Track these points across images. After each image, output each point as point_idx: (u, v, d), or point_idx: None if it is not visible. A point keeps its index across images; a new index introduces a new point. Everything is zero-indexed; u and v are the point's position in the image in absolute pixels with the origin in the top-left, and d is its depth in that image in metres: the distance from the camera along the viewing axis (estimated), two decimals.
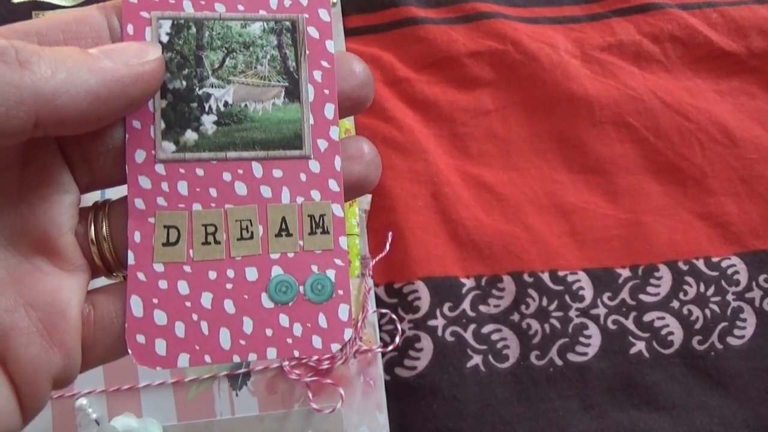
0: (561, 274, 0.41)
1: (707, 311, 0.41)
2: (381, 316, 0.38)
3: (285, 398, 0.35)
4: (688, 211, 0.43)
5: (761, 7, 0.48)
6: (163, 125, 0.19)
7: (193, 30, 0.20)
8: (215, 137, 0.20)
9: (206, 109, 0.20)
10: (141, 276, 0.19)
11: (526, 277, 0.40)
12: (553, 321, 0.40)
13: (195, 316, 0.19)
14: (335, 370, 0.36)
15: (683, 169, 0.44)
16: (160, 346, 0.19)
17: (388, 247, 0.40)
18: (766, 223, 0.43)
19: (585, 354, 0.39)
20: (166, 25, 0.20)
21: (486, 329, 0.39)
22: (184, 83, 0.20)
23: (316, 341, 0.20)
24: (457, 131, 0.44)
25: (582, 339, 0.40)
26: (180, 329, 0.19)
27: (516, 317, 0.40)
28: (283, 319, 0.19)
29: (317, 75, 0.21)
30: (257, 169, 0.20)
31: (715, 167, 0.44)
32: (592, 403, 0.38)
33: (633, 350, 0.40)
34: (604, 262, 0.42)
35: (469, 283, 0.40)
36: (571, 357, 0.39)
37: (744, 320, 0.41)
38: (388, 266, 0.40)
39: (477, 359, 0.39)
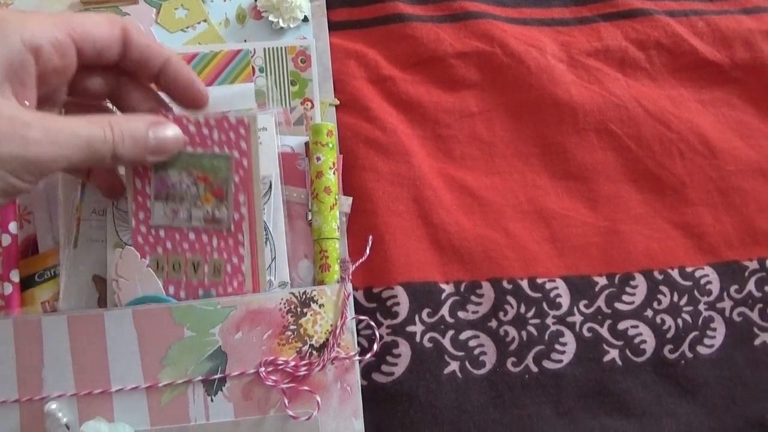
0: (539, 281, 0.41)
1: (679, 320, 0.41)
2: (359, 321, 0.38)
3: (261, 404, 0.35)
4: (666, 221, 0.44)
5: (747, 18, 0.48)
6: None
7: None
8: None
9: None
10: None
11: (505, 283, 0.41)
12: (530, 328, 0.40)
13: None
14: (312, 376, 0.35)
15: (662, 178, 0.44)
16: None
17: (368, 251, 0.39)
18: (740, 234, 0.44)
19: (560, 361, 0.40)
20: None
21: (464, 335, 0.39)
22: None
23: None
24: (441, 133, 0.44)
25: (557, 346, 0.40)
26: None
27: (494, 324, 0.40)
28: None
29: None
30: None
31: (694, 178, 0.44)
32: (565, 409, 0.39)
33: (606, 358, 0.40)
34: (582, 270, 0.42)
35: (448, 288, 0.40)
36: (547, 364, 0.40)
37: (714, 330, 0.42)
38: (368, 270, 0.40)
39: (454, 365, 0.39)
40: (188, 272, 0.36)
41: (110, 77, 0.34)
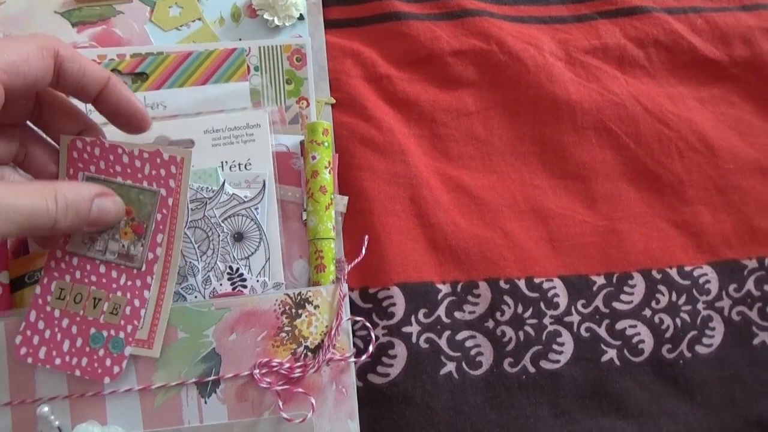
0: (537, 281, 0.41)
1: (678, 320, 0.41)
2: (354, 322, 0.38)
3: (255, 406, 0.35)
4: (664, 220, 0.43)
5: (746, 15, 0.48)
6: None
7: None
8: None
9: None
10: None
11: (502, 283, 0.40)
12: (528, 328, 0.40)
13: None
14: (307, 378, 0.35)
15: (661, 176, 0.44)
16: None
17: (364, 251, 0.39)
18: (739, 232, 0.43)
19: (557, 361, 0.39)
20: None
21: (460, 336, 0.39)
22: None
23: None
24: (437, 132, 0.43)
25: (555, 346, 0.40)
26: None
27: (491, 324, 0.40)
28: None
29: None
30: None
31: (693, 176, 0.44)
32: (563, 410, 0.39)
33: (604, 358, 0.40)
34: (580, 269, 0.42)
35: (444, 288, 0.40)
36: (544, 364, 0.39)
37: (713, 329, 0.41)
38: (364, 270, 0.39)
39: (450, 366, 0.38)
40: (87, 307, 0.34)
41: (14, 140, 0.32)
